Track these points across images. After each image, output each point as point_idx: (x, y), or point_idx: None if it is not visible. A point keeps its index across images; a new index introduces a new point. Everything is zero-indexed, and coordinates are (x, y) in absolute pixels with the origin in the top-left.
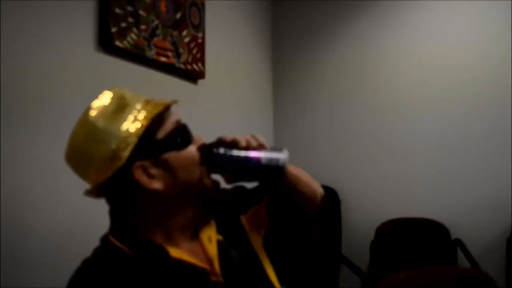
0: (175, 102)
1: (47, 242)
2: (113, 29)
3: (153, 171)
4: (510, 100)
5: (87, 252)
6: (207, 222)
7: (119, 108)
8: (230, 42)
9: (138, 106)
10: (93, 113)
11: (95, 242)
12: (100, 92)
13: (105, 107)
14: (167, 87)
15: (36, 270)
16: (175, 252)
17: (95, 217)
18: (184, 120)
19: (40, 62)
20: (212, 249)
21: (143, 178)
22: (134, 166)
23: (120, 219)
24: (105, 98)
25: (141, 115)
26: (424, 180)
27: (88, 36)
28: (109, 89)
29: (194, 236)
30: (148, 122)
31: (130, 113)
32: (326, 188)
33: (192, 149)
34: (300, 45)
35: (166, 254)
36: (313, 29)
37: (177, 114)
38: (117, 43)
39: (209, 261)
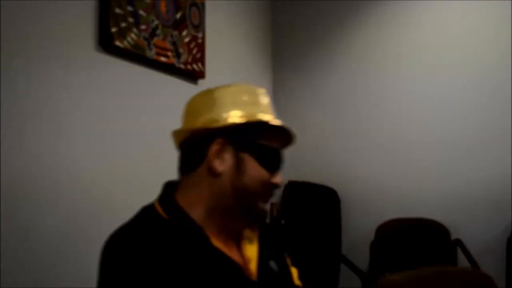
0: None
1: (47, 241)
2: (113, 29)
3: (227, 156)
4: (510, 101)
5: (87, 251)
6: (251, 227)
7: (248, 102)
8: (230, 42)
9: (265, 115)
10: (227, 87)
11: (95, 242)
12: (100, 92)
13: (241, 97)
14: (167, 87)
15: (36, 270)
16: (215, 241)
17: (96, 217)
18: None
19: (40, 62)
20: (252, 251)
21: (213, 151)
22: (217, 138)
23: (173, 187)
24: (251, 92)
25: (254, 111)
26: (424, 180)
27: (88, 36)
28: (261, 89)
29: (235, 232)
30: (256, 120)
31: (252, 106)
32: (326, 188)
33: (267, 174)
34: (300, 45)
35: (207, 240)
36: (313, 29)
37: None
38: (117, 43)
39: (245, 260)
